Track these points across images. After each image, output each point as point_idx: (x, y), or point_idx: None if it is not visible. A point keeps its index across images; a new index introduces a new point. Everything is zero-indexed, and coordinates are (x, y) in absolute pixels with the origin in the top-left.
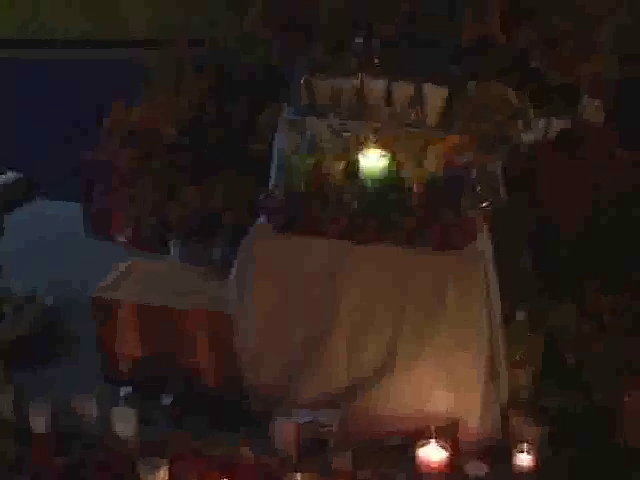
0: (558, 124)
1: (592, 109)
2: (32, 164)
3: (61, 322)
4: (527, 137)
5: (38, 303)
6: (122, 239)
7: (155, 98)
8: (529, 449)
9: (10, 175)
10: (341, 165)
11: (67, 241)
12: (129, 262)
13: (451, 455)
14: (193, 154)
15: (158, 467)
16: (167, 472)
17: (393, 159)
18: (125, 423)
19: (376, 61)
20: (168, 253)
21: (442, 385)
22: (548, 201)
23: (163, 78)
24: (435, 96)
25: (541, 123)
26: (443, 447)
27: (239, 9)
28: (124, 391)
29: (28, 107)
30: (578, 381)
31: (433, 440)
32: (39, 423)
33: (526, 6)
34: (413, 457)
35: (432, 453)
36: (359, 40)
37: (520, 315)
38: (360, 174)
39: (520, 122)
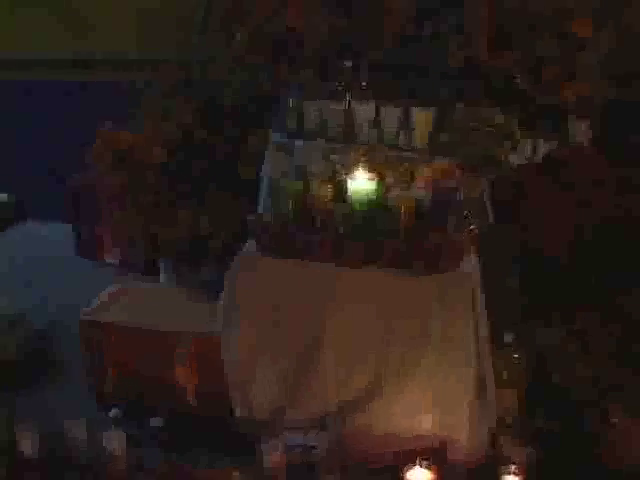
0: (545, 146)
1: (579, 131)
2: (23, 185)
3: (50, 344)
4: (514, 159)
5: (27, 325)
6: (112, 261)
7: (144, 121)
8: (517, 470)
9: (0, 196)
10: (329, 188)
11: (57, 263)
12: (118, 284)
13: (438, 478)
14: (182, 177)
15: None
16: None
17: (380, 182)
18: (114, 445)
19: (364, 84)
20: (158, 275)
21: (430, 406)
22: (534, 222)
23: (152, 100)
24: (423, 119)
25: (528, 145)
26: (430, 470)
27: (228, 33)
28: (113, 413)
29: (19, 129)
30: (565, 402)
31: (420, 463)
32: (28, 447)
33: (512, 29)
34: (401, 479)
35: (419, 476)
36: (347, 64)
37: (507, 336)
38: (347, 197)
39: (508, 144)
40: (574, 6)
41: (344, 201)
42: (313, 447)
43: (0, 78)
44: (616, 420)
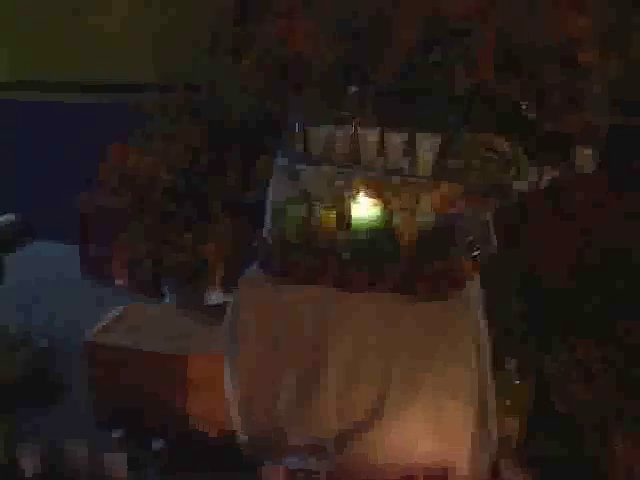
0: (550, 173)
1: (584, 157)
2: (30, 206)
3: (54, 365)
4: (519, 186)
5: (32, 345)
6: (118, 283)
7: (152, 143)
8: None
9: (8, 217)
10: (333, 213)
11: (64, 283)
12: (123, 306)
13: None
14: (188, 199)
15: None
16: None
17: (385, 208)
18: (116, 467)
19: (370, 110)
20: (163, 297)
21: (431, 432)
22: (536, 247)
23: (160, 123)
24: (428, 145)
25: (533, 172)
26: None
27: (236, 57)
28: (115, 435)
29: (27, 149)
30: (568, 429)
31: None
32: (30, 467)
33: (517, 57)
34: None
35: None
36: (354, 89)
37: (510, 363)
38: (352, 223)
39: (512, 171)
40: (579, 34)
41: (348, 226)
42: (315, 472)
43: (10, 99)
44: (619, 447)
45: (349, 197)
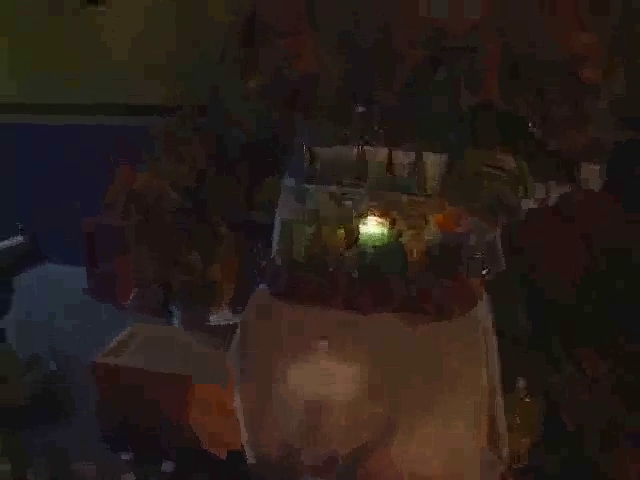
0: (557, 190)
1: (591, 174)
2: (38, 228)
3: (63, 387)
4: (526, 203)
5: (40, 367)
6: (126, 304)
7: (158, 164)
8: None
9: (16, 238)
10: (341, 233)
11: (71, 305)
12: (131, 328)
13: None
14: (196, 220)
15: None
16: None
17: (393, 227)
18: None
19: (376, 129)
20: (172, 318)
21: (442, 451)
22: (544, 265)
23: (166, 144)
24: (435, 163)
25: (540, 189)
26: None
27: (242, 77)
28: (125, 457)
29: (35, 170)
30: (578, 446)
31: None
32: None
33: (523, 74)
34: None
35: None
36: (361, 109)
37: (519, 381)
38: (359, 242)
39: (520, 189)
40: (584, 51)
41: (356, 245)
42: None
43: (22, 121)
44: (627, 463)
45: (357, 216)
